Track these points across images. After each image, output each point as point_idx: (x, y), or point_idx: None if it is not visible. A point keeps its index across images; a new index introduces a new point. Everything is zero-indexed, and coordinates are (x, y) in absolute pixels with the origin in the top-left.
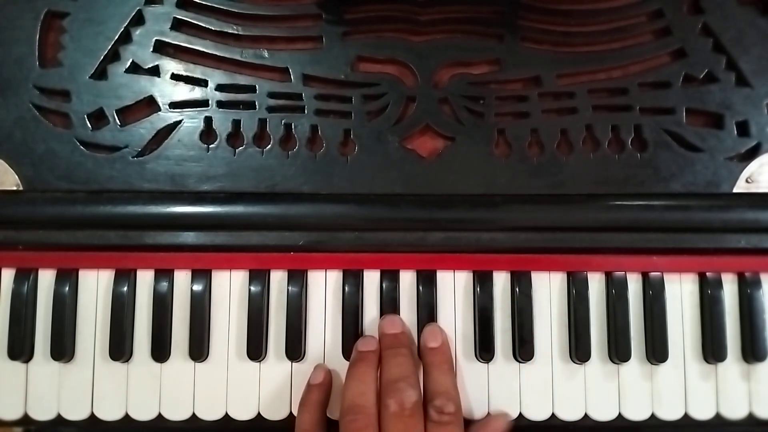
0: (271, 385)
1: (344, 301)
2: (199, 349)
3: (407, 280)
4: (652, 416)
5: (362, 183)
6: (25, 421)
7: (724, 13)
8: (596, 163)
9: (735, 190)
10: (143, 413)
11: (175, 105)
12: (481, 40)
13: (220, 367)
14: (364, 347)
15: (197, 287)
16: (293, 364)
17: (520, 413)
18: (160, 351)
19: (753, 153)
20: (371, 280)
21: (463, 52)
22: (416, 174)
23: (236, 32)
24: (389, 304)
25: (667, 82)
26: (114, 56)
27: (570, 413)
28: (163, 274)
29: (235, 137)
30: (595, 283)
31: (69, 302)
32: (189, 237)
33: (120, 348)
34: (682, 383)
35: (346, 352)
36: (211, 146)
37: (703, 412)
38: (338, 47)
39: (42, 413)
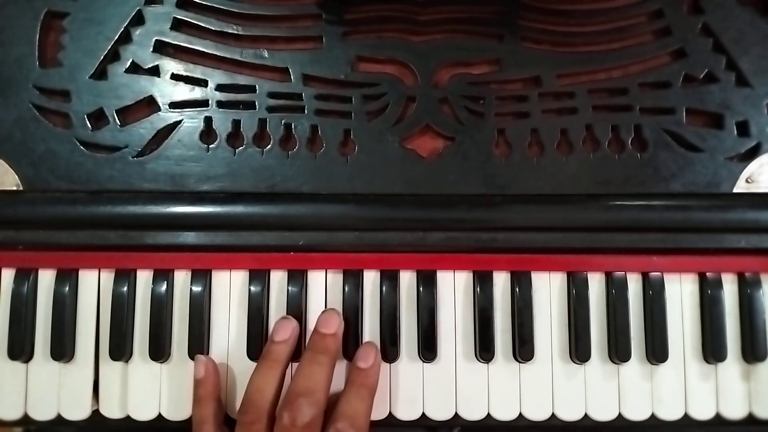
0: None
1: (344, 301)
2: (199, 349)
3: (407, 280)
4: (652, 416)
5: (362, 183)
6: (25, 421)
7: (724, 13)
8: (596, 163)
9: (735, 190)
10: (143, 413)
11: (175, 105)
12: (481, 40)
13: (219, 367)
14: (277, 336)
15: (197, 287)
16: (293, 364)
17: (520, 413)
18: (160, 351)
19: (753, 153)
20: (371, 280)
21: (463, 52)
22: (416, 174)
23: (236, 32)
24: (389, 304)
25: (667, 82)
26: (114, 56)
27: (570, 413)
28: (163, 274)
29: (235, 137)
30: (595, 283)
31: (69, 302)
32: (189, 237)
33: (120, 348)
34: (682, 383)
35: (347, 352)
36: (211, 146)
37: (703, 412)
38: (338, 47)
39: (42, 413)
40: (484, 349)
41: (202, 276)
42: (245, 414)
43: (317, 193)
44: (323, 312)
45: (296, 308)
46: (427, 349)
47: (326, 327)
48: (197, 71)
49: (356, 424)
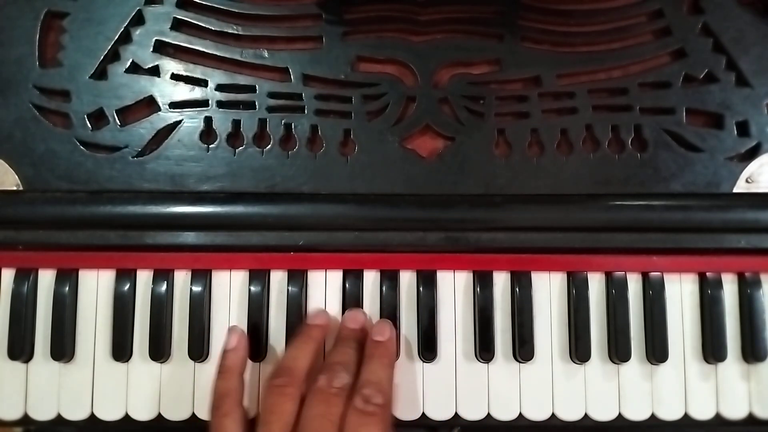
0: None
1: (344, 301)
2: (199, 349)
3: (407, 280)
4: (652, 416)
5: (362, 183)
6: (25, 421)
7: (724, 13)
8: (596, 163)
9: (735, 190)
10: (143, 413)
11: (175, 105)
12: (481, 40)
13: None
14: (312, 320)
15: (197, 287)
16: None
17: (520, 413)
18: (160, 351)
19: (753, 153)
20: (371, 280)
21: (463, 52)
22: (416, 174)
23: (236, 32)
24: (389, 304)
25: (667, 82)
26: (114, 56)
27: (570, 413)
28: (163, 274)
29: (235, 137)
30: (595, 283)
31: (69, 302)
32: (189, 237)
33: (120, 348)
34: (682, 383)
35: None
36: (211, 146)
37: (703, 412)
38: (338, 47)
39: (42, 413)
40: (484, 349)
41: (202, 276)
42: (278, 377)
43: (317, 193)
44: (349, 311)
45: (296, 308)
46: (427, 349)
47: (353, 323)
48: (197, 71)
49: (383, 390)
